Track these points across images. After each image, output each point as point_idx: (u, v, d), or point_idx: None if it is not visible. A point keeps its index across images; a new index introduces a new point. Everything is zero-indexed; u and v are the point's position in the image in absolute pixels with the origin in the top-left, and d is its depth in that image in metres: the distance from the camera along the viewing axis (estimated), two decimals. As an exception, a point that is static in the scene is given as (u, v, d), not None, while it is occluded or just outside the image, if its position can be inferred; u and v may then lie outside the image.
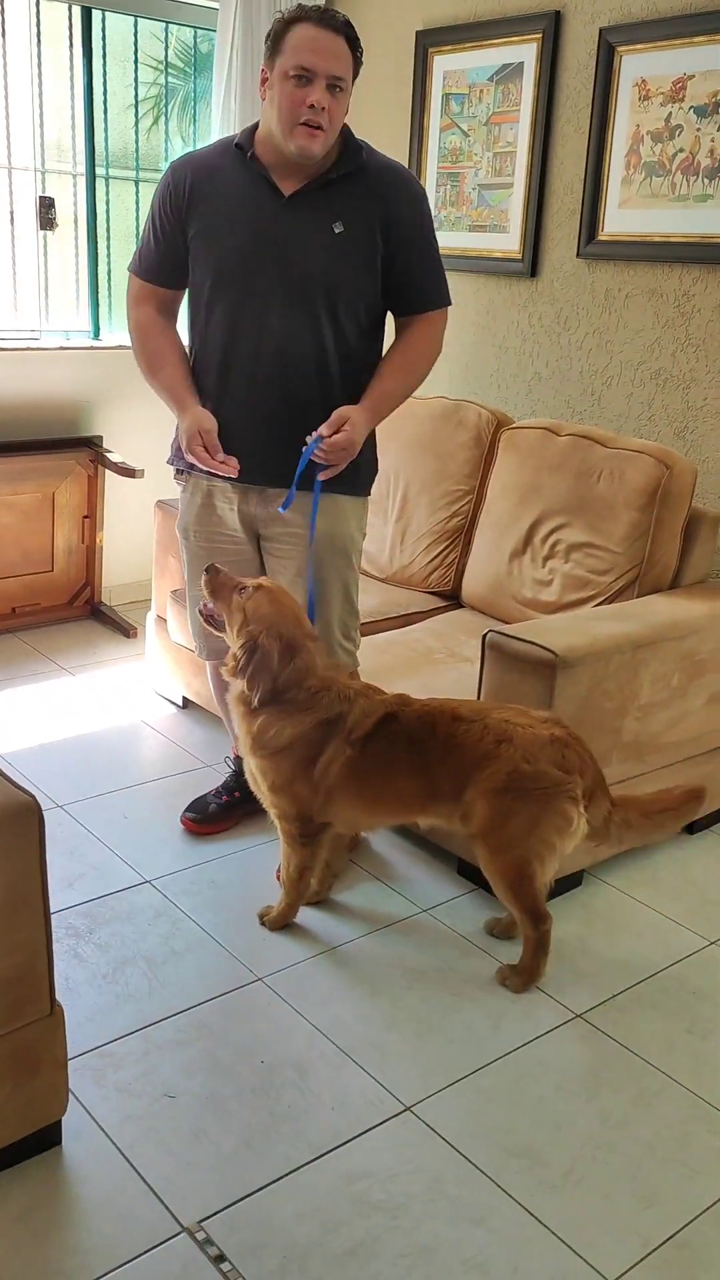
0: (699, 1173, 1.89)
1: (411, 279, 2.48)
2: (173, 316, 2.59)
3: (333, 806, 2.34)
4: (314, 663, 2.30)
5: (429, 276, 2.50)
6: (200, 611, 2.43)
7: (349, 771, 2.29)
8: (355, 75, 2.36)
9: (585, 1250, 1.73)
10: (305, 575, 2.54)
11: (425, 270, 2.50)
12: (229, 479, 2.50)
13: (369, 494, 2.65)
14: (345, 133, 2.43)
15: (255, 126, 2.44)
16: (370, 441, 2.58)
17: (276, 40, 2.30)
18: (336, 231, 2.39)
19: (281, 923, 2.47)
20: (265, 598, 2.30)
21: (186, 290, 2.57)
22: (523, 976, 2.32)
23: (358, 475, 2.55)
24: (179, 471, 2.67)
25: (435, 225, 4.01)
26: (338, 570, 2.60)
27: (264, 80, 2.35)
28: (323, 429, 2.37)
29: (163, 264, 2.52)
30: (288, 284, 2.41)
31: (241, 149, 2.42)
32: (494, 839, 2.22)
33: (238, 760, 2.90)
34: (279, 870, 2.54)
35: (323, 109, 2.28)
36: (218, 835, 2.86)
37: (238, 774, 2.88)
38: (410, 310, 2.52)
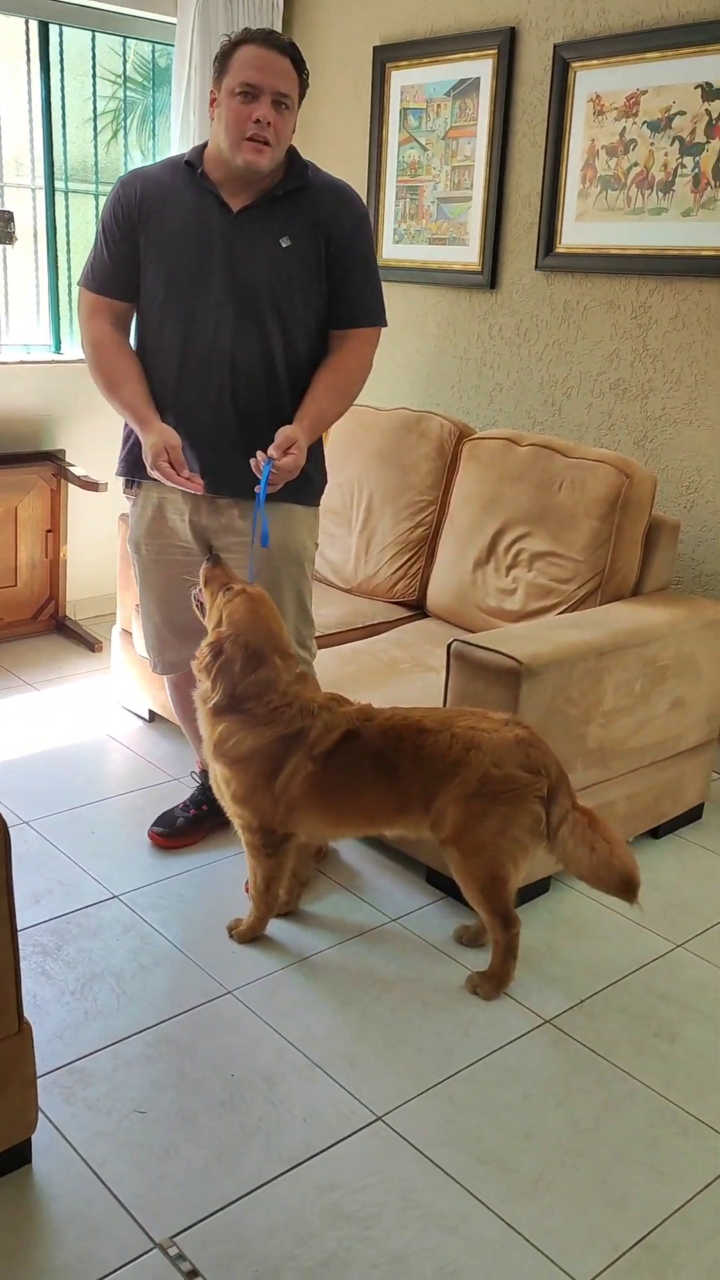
0: (668, 1175, 1.91)
1: (348, 294, 2.51)
2: (126, 331, 2.59)
3: (295, 819, 2.34)
4: (278, 678, 2.30)
5: (366, 294, 2.54)
6: (193, 595, 2.47)
7: (311, 786, 2.29)
8: (301, 96, 2.42)
9: (557, 1255, 1.74)
10: (257, 584, 2.55)
11: (362, 287, 2.53)
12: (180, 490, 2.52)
13: (319, 504, 2.67)
14: (292, 152, 2.48)
15: (204, 145, 2.49)
16: (319, 453, 2.61)
17: (224, 61, 2.37)
18: (283, 246, 2.43)
19: (251, 935, 2.47)
20: (243, 604, 2.32)
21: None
22: (492, 983, 2.33)
23: (309, 485, 2.58)
24: (129, 484, 2.68)
25: (395, 238, 4.08)
26: (291, 579, 2.61)
27: (213, 101, 2.41)
28: (272, 452, 2.39)
29: (115, 277, 2.52)
30: (237, 297, 2.44)
31: (191, 166, 2.46)
32: (467, 843, 2.24)
33: (204, 774, 2.90)
34: (247, 883, 2.54)
35: (268, 124, 2.33)
36: (185, 849, 2.85)
37: (204, 788, 2.88)
38: (344, 324, 2.54)
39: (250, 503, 2.47)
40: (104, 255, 2.52)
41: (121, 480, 2.69)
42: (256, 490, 2.39)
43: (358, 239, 2.50)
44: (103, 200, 4.44)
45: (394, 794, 2.29)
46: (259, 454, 2.39)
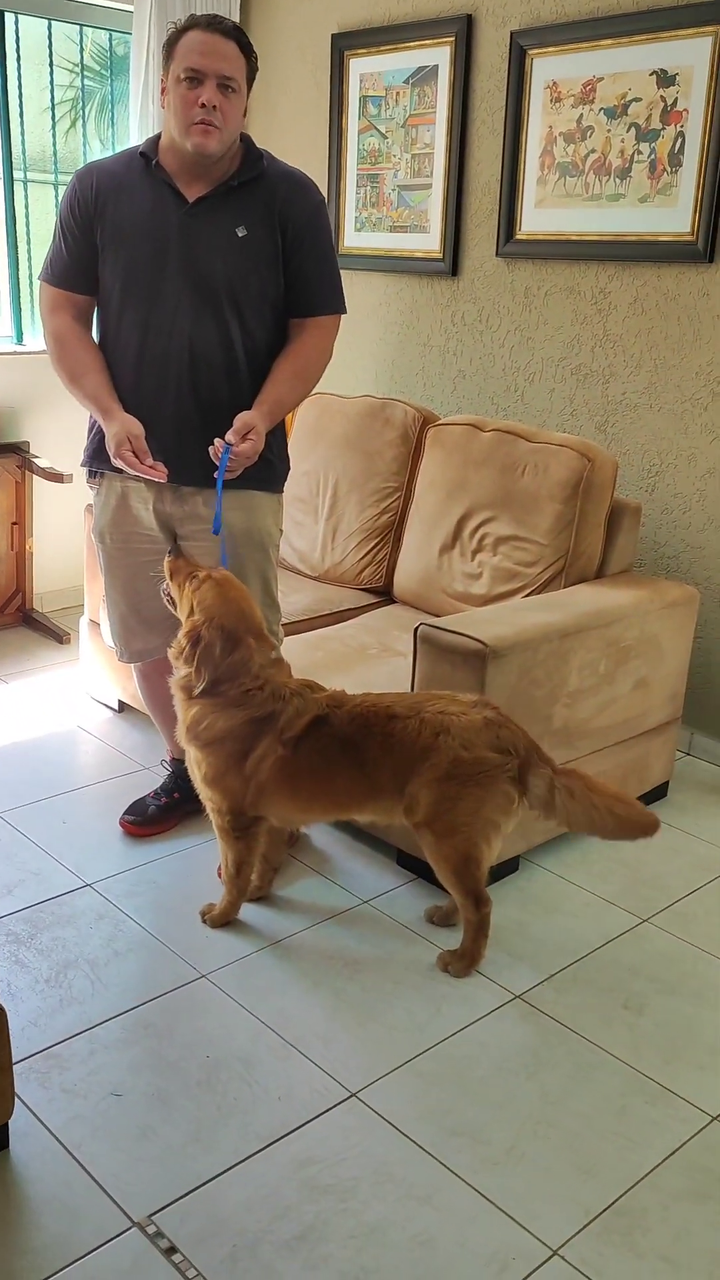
0: (636, 1142, 1.95)
1: (306, 281, 2.52)
2: (88, 324, 2.60)
3: (264, 802, 2.36)
4: (251, 659, 2.33)
5: (324, 281, 2.55)
6: (162, 589, 2.47)
7: (281, 771, 2.31)
8: (250, 79, 2.42)
9: (528, 1222, 1.78)
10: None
11: (320, 275, 2.54)
12: (143, 479, 2.53)
13: (283, 490, 2.69)
14: (246, 141, 2.49)
15: (159, 136, 2.49)
16: (281, 439, 2.63)
17: (170, 48, 2.38)
18: (239, 235, 2.44)
19: (223, 920, 2.49)
20: (212, 589, 2.34)
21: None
22: (464, 961, 2.36)
23: (272, 471, 2.61)
24: (92, 474, 2.68)
25: (357, 226, 4.09)
26: (256, 564, 2.63)
27: (163, 90, 2.41)
28: (230, 437, 2.40)
29: (75, 271, 2.53)
30: (194, 287, 2.45)
31: (146, 157, 2.47)
32: (440, 825, 2.27)
33: (175, 763, 2.91)
34: (220, 868, 2.56)
35: (214, 107, 2.33)
36: (157, 837, 2.86)
37: (176, 775, 2.89)
38: (303, 313, 2.55)
39: (212, 491, 2.48)
40: (62, 249, 2.53)
41: (85, 471, 2.69)
42: (215, 476, 2.41)
43: (314, 227, 2.51)
44: (62, 190, 4.42)
45: (364, 780, 2.31)
46: (217, 440, 2.41)
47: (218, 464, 2.41)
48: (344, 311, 2.61)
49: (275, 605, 2.72)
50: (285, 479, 2.69)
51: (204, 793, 2.42)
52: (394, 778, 2.28)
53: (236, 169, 2.46)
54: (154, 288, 2.46)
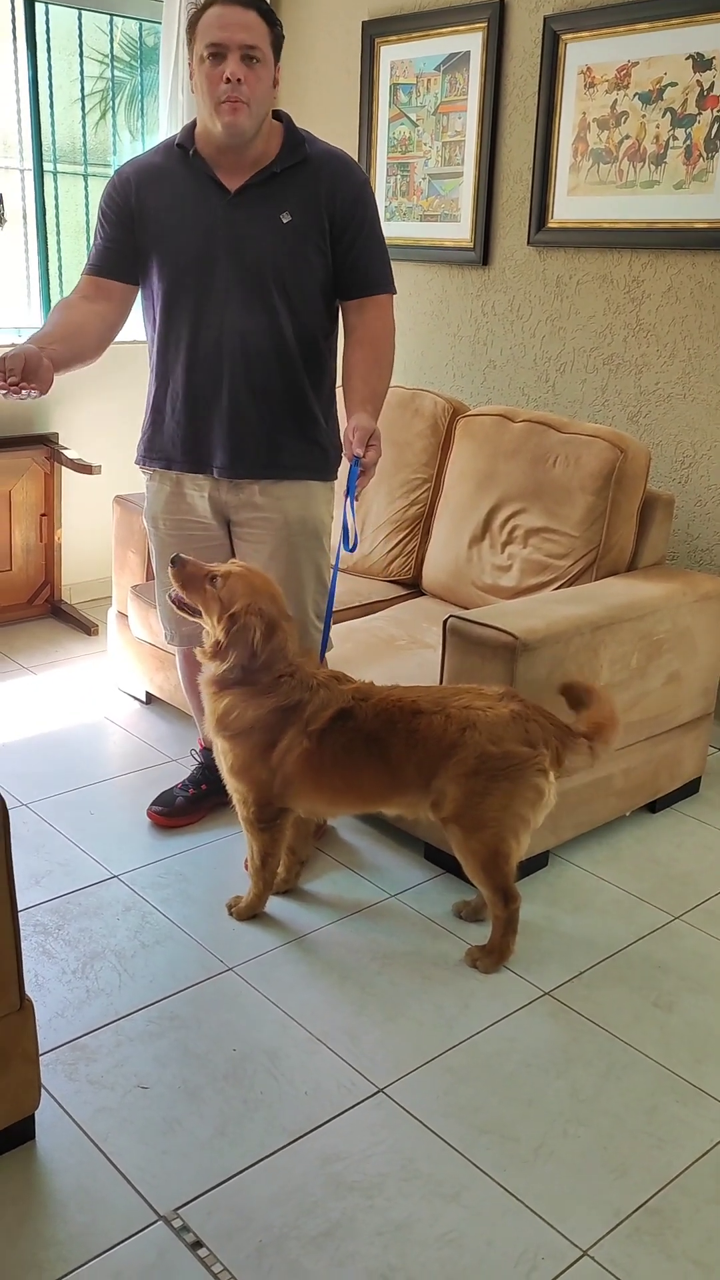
0: (667, 1142, 1.92)
1: (358, 262, 2.49)
2: (105, 309, 2.50)
3: (291, 793, 2.35)
4: (288, 645, 2.32)
5: (376, 259, 2.52)
6: (170, 599, 2.41)
7: (306, 763, 2.29)
8: (277, 49, 2.36)
9: (558, 1222, 1.75)
10: (277, 560, 2.57)
11: (372, 254, 2.51)
12: (196, 472, 2.55)
13: (335, 478, 2.67)
14: (288, 125, 2.45)
15: (193, 124, 2.45)
16: (335, 427, 2.62)
17: (191, 29, 2.34)
18: (284, 221, 2.41)
19: (250, 913, 2.48)
20: (240, 582, 2.30)
21: (138, 295, 2.56)
22: (492, 956, 2.34)
23: (326, 460, 2.60)
24: (143, 463, 2.67)
25: (387, 215, 4.06)
26: (310, 553, 2.62)
27: (192, 75, 2.37)
28: (356, 449, 2.37)
29: (111, 258, 2.50)
30: (242, 278, 2.42)
31: (183, 148, 2.43)
32: (468, 820, 2.24)
33: (204, 753, 2.90)
34: (247, 860, 2.55)
35: (239, 80, 2.28)
36: (185, 828, 2.86)
37: (204, 766, 2.89)
38: (359, 293, 2.52)
39: (269, 481, 2.52)
40: (98, 240, 2.52)
41: (140, 461, 2.69)
42: (347, 491, 2.41)
43: (362, 205, 2.47)
44: (92, 181, 4.42)
45: (389, 774, 2.29)
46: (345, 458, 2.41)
47: (277, 459, 2.43)
48: (394, 291, 2.58)
49: (325, 591, 2.71)
50: (338, 466, 2.67)
51: (231, 784, 2.41)
52: (420, 773, 2.26)
53: (278, 154, 2.41)
54: (201, 282, 2.43)
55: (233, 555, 2.66)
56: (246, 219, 2.41)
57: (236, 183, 2.41)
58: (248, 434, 2.50)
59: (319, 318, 2.51)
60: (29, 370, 2.22)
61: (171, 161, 2.45)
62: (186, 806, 2.88)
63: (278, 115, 2.47)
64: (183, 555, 2.39)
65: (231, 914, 2.48)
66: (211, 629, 2.33)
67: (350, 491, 2.40)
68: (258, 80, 2.31)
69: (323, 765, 2.30)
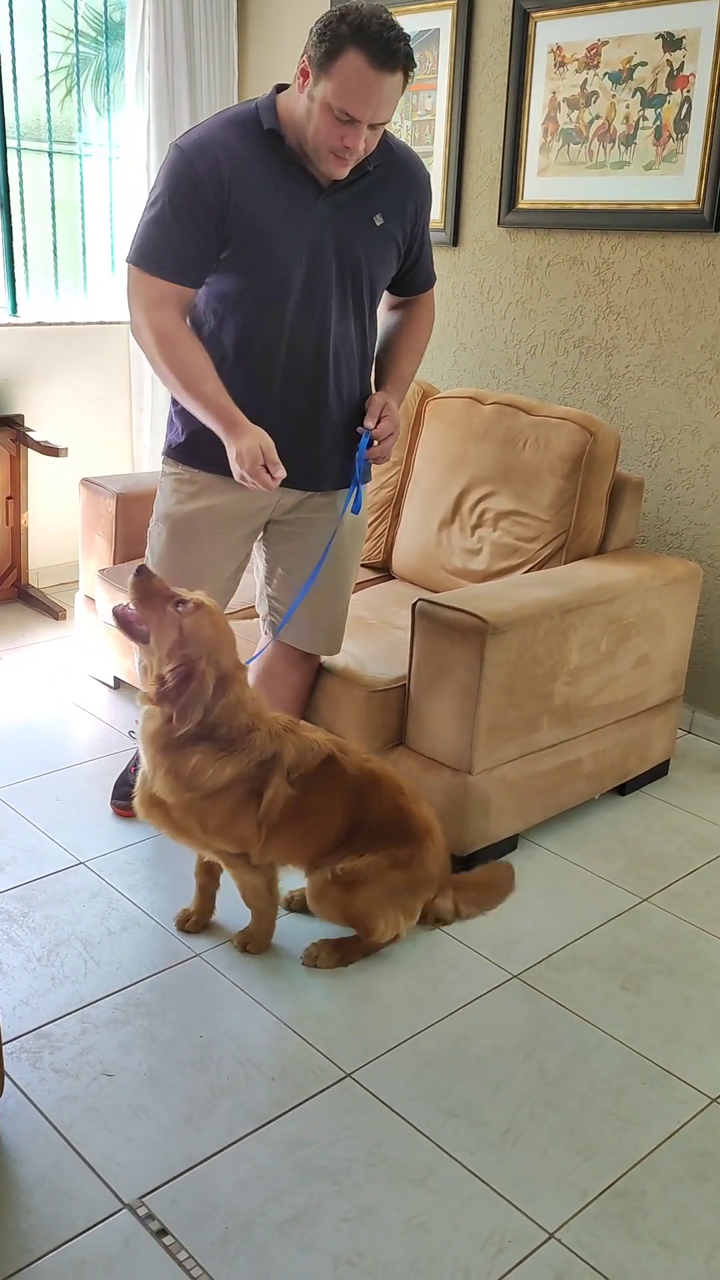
0: (634, 1124, 1.93)
1: (422, 262, 2.50)
2: (186, 319, 2.34)
3: (273, 845, 2.22)
4: (245, 696, 2.16)
5: (431, 258, 2.54)
6: (115, 612, 2.19)
7: (291, 810, 2.19)
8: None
9: (525, 1204, 1.75)
10: (329, 556, 2.53)
11: (429, 250, 2.52)
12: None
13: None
14: None
15: (273, 103, 2.22)
16: None
17: (329, 56, 2.06)
18: (378, 224, 2.31)
19: (265, 944, 2.33)
20: (207, 619, 2.10)
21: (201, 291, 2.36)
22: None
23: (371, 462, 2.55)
24: (179, 463, 2.49)
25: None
26: (356, 553, 2.64)
27: (305, 74, 2.12)
28: (368, 422, 2.35)
29: (191, 263, 2.25)
30: (341, 285, 2.32)
31: (275, 134, 2.21)
32: (358, 885, 2.23)
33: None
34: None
35: (360, 145, 2.14)
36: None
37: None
38: (419, 290, 2.53)
39: (335, 490, 2.50)
40: (173, 237, 2.22)
41: (164, 458, 2.53)
42: (355, 462, 2.40)
43: (428, 205, 2.44)
44: (57, 159, 4.35)
45: (348, 827, 2.25)
46: (358, 429, 2.39)
47: (349, 465, 2.42)
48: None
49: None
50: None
51: (209, 843, 2.23)
52: (369, 838, 2.24)
53: (370, 153, 2.23)
54: (299, 287, 2.28)
55: (245, 563, 2.58)
56: (345, 220, 2.27)
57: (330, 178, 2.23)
58: (331, 448, 2.43)
59: (376, 317, 2.50)
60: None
61: (254, 145, 2.21)
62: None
63: None
64: (148, 567, 2.16)
65: (246, 952, 2.32)
66: (158, 658, 2.12)
67: (359, 463, 2.41)
68: (376, 138, 2.18)
69: (305, 811, 2.21)
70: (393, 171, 2.34)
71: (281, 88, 2.26)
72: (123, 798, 2.84)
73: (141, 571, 2.13)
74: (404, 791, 2.31)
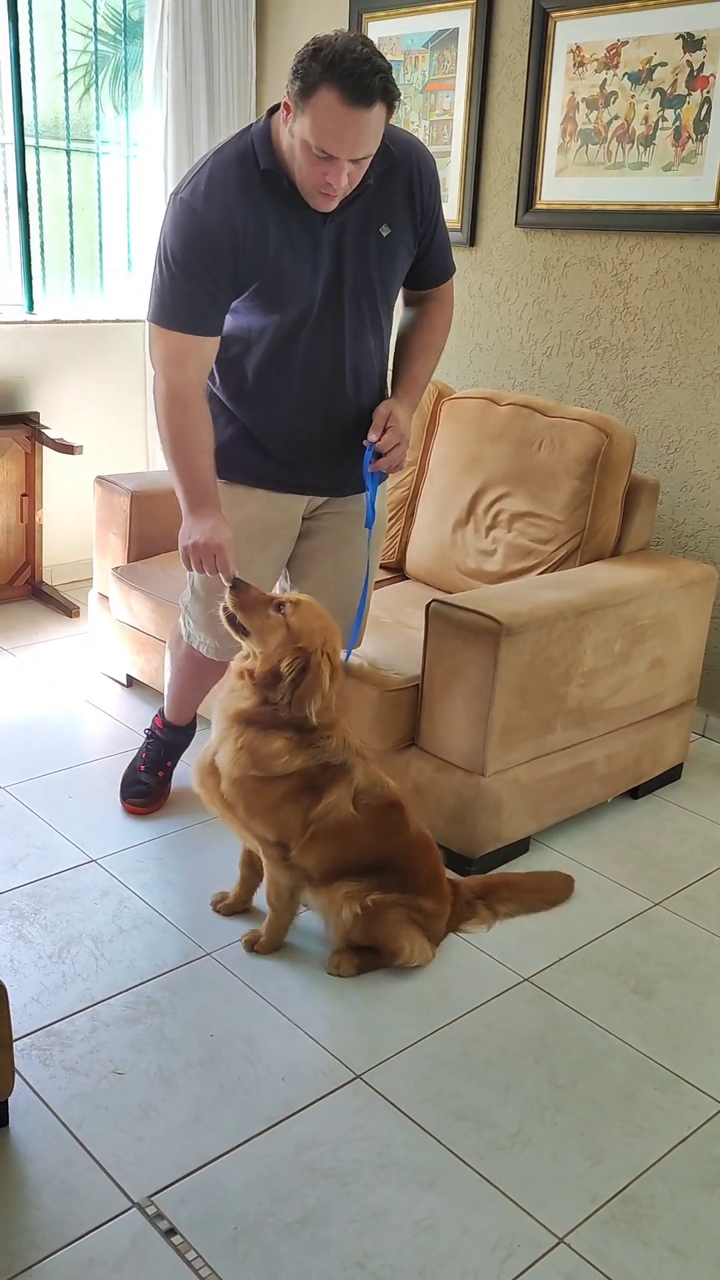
0: (645, 1129, 1.92)
1: (436, 254, 2.42)
2: (206, 373, 2.32)
3: (309, 848, 2.22)
4: (334, 698, 2.19)
5: (446, 245, 2.44)
6: (224, 615, 2.21)
7: (341, 829, 2.20)
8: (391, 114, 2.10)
9: (534, 1209, 1.75)
10: (350, 546, 2.54)
11: (444, 240, 2.43)
12: (294, 494, 2.48)
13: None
14: None
15: (266, 135, 2.17)
16: None
17: (302, 94, 2.00)
18: (384, 235, 2.28)
19: (273, 946, 2.33)
20: (312, 613, 2.15)
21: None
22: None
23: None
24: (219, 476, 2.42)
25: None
26: (378, 547, 2.63)
27: (287, 108, 2.06)
28: (371, 435, 2.34)
29: (207, 314, 2.23)
30: (355, 304, 2.31)
31: (274, 175, 2.16)
32: (367, 913, 2.23)
33: (167, 729, 2.86)
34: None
35: (343, 181, 2.09)
36: (162, 811, 2.83)
37: (162, 744, 2.87)
38: (434, 283, 2.47)
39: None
40: (188, 292, 2.19)
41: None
42: (364, 477, 2.40)
43: (437, 194, 2.35)
44: (75, 157, 4.36)
45: (380, 866, 2.26)
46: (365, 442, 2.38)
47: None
48: (455, 269, 2.52)
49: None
50: None
51: (250, 826, 2.24)
52: (384, 880, 2.25)
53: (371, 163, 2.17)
54: (314, 317, 2.28)
55: (283, 564, 2.58)
56: (353, 241, 2.24)
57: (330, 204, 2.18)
58: (351, 457, 2.43)
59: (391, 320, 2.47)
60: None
61: (255, 185, 2.17)
62: (158, 789, 2.86)
63: None
64: (242, 579, 2.20)
65: (254, 951, 2.32)
66: (262, 655, 2.15)
67: (368, 480, 2.41)
68: (360, 170, 2.10)
69: (349, 837, 2.21)
70: (394, 174, 2.26)
71: (276, 109, 2.18)
72: (134, 795, 2.85)
73: (237, 584, 2.18)
74: (441, 862, 2.37)
